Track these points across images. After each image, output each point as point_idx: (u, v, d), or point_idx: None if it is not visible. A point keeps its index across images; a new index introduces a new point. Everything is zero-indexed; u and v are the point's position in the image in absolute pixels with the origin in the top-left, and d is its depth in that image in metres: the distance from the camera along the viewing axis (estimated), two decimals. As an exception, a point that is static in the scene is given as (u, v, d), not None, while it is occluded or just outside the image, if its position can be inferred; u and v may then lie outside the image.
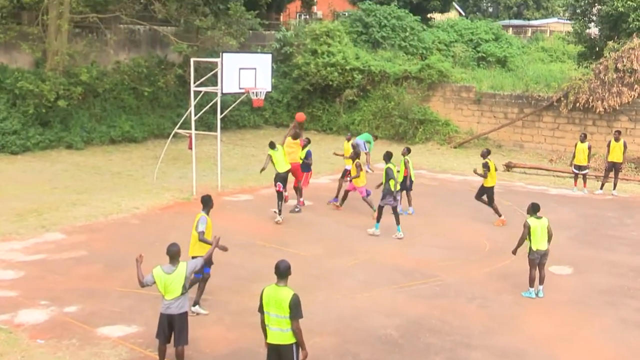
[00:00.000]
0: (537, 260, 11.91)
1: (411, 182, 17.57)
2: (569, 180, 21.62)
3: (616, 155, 20.03)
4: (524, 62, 38.37)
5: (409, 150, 17.51)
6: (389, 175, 15.11)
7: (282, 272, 7.73)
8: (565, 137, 25.98)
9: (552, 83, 27.63)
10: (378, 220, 15.34)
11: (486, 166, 16.40)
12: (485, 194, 16.83)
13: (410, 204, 17.59)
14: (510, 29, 55.16)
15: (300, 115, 19.13)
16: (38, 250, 13.53)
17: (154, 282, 8.56)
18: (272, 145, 16.65)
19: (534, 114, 26.71)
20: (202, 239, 10.44)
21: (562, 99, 25.67)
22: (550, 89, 26.95)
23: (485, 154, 16.80)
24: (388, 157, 15.63)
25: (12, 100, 23.30)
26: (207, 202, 10.97)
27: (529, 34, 57.97)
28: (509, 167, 23.52)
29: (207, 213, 10.84)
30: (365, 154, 22.11)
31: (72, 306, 10.82)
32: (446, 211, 17.91)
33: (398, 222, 15.23)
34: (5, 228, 14.81)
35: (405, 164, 17.24)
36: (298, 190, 17.67)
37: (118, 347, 9.46)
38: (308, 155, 17.93)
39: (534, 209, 11.98)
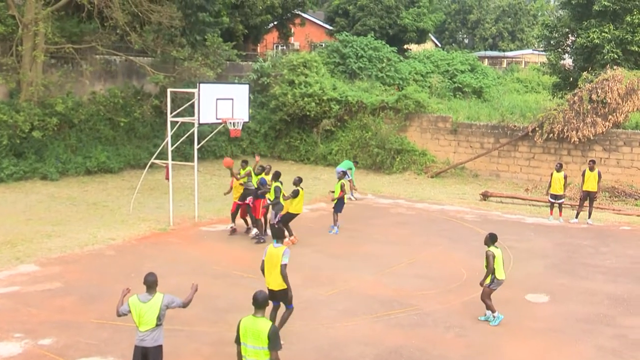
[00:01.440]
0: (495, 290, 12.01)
1: (343, 203, 18.77)
2: (544, 209, 21.83)
3: (591, 185, 20.28)
4: (500, 92, 39.02)
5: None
6: (277, 192, 16.40)
7: (260, 303, 7.67)
8: (541, 166, 26.29)
9: (527, 113, 28.07)
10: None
11: (295, 193, 16.68)
12: (287, 220, 16.77)
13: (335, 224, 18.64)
14: (486, 60, 56.15)
15: (227, 161, 18.05)
16: (12, 282, 13.30)
17: (129, 311, 8.45)
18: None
19: (509, 143, 27.03)
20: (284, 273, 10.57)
21: (537, 129, 26.01)
22: (526, 119, 27.34)
23: (297, 181, 16.94)
24: (276, 176, 16.80)
25: (-15, 131, 23.09)
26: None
27: (505, 64, 59.03)
28: (485, 196, 23.70)
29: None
30: (349, 181, 22.25)
31: (46, 339, 10.64)
32: (424, 240, 17.96)
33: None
34: (-22, 260, 14.58)
35: (342, 186, 18.59)
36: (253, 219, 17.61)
37: (93, 381, 9.30)
38: (262, 182, 17.43)
39: (492, 239, 11.96)
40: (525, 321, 12.16)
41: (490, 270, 11.79)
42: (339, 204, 18.59)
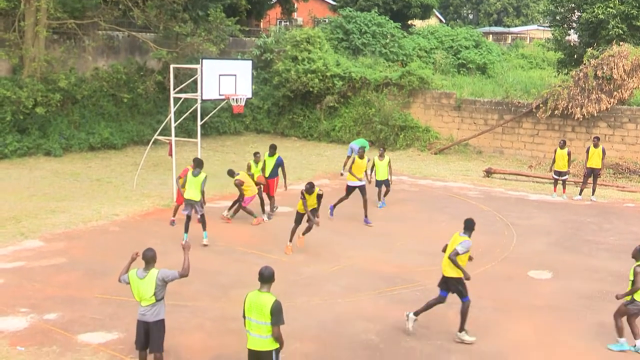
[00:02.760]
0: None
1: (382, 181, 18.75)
2: (548, 186, 21.81)
3: (595, 162, 20.22)
4: (504, 68, 38.77)
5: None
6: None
7: (266, 278, 7.71)
8: (545, 143, 26.22)
9: (531, 90, 27.92)
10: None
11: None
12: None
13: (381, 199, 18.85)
14: (491, 35, 55.75)
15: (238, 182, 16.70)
16: (17, 258, 13.38)
17: (128, 283, 8.57)
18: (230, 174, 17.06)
19: (513, 120, 26.94)
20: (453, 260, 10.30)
21: (541, 105, 25.90)
22: (530, 96, 27.21)
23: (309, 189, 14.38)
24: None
25: (-11, 107, 23.09)
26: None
27: (509, 40, 58.62)
28: (488, 173, 23.67)
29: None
30: (348, 157, 22.33)
31: (51, 313, 10.73)
32: (427, 217, 17.98)
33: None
34: (-17, 235, 14.67)
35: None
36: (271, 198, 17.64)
37: (99, 354, 9.40)
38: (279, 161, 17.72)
39: None
40: (527, 298, 12.20)
41: (636, 289, 9.95)
42: (379, 182, 18.62)
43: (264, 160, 17.59)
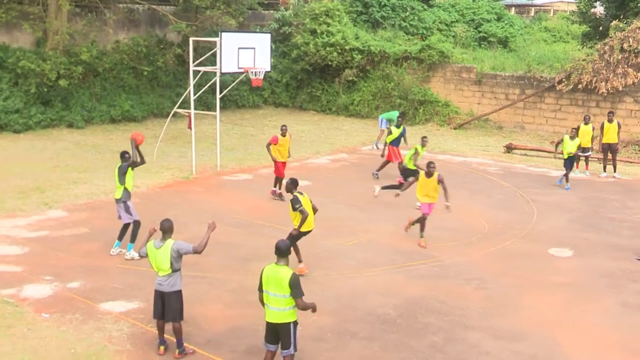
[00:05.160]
0: None
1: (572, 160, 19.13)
2: (569, 162, 21.58)
3: (611, 137, 19.98)
4: (527, 42, 38.22)
5: None
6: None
7: (282, 251, 7.76)
8: (568, 118, 25.93)
9: (555, 64, 27.56)
10: None
11: (296, 202, 11.38)
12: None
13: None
14: (513, 8, 54.80)
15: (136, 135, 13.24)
16: (41, 227, 13.62)
17: (147, 256, 8.71)
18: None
19: (535, 95, 26.65)
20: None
21: (564, 80, 25.57)
22: (553, 70, 26.87)
23: (292, 186, 11.61)
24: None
25: (14, 79, 23.37)
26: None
27: (532, 13, 57.64)
28: (509, 148, 23.49)
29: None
30: (381, 130, 22.87)
31: (74, 282, 10.93)
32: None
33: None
34: (10, 205, 14.94)
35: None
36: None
37: (120, 322, 9.57)
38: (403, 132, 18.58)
39: None
40: (547, 275, 12.15)
41: None
42: (568, 161, 18.69)
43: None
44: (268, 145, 16.45)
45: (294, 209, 11.31)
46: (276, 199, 16.47)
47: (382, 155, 18.61)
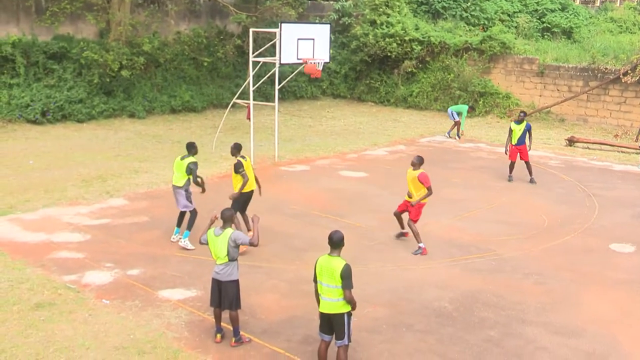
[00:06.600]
0: None
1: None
2: (634, 156, 20.99)
3: None
4: (591, 33, 37.11)
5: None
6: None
7: (335, 242, 7.78)
8: (632, 111, 25.17)
9: (620, 55, 26.74)
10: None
11: (239, 166, 12.09)
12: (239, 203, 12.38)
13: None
14: (578, -2, 53.33)
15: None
16: (103, 215, 13.97)
17: (207, 243, 8.84)
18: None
19: (599, 87, 25.93)
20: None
21: (629, 72, 24.80)
22: (618, 62, 26.08)
23: (236, 150, 12.41)
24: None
25: (78, 69, 23.99)
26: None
27: (598, 3, 55.96)
28: (571, 141, 22.95)
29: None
30: (454, 122, 23.61)
31: (134, 269, 11.18)
32: (504, 185, 17.65)
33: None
34: (73, 193, 15.37)
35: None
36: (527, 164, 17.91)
37: (178, 310, 9.75)
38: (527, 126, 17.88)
39: None
40: (608, 271, 11.85)
41: None
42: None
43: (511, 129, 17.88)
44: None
45: (237, 172, 12.08)
46: None
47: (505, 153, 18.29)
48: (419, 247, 12.39)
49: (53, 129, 22.38)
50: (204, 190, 12.72)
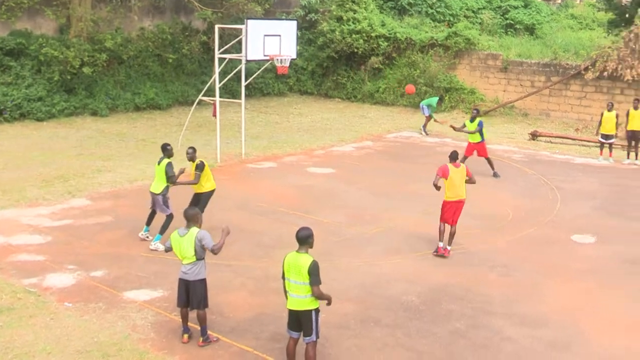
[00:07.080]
0: None
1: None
2: (594, 149, 21.37)
3: (636, 124, 19.77)
4: (553, 29, 37.60)
5: None
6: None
7: (302, 239, 7.77)
8: (592, 106, 25.60)
9: (580, 51, 27.16)
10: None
11: (202, 168, 12.55)
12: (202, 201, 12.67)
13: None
14: (540, -5, 54.03)
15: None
16: (64, 216, 13.71)
17: (171, 249, 8.74)
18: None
19: (561, 82, 26.32)
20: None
21: (590, 67, 25.22)
22: (579, 57, 26.51)
23: (192, 153, 12.74)
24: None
25: (37, 66, 23.42)
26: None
27: (559, 0, 56.78)
28: (534, 135, 23.28)
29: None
30: (426, 117, 23.84)
31: (98, 271, 10.98)
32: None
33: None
34: (33, 193, 15.04)
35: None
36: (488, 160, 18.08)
37: (144, 311, 9.62)
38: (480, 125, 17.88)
39: None
40: (570, 262, 12.06)
41: None
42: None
43: None
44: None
45: (197, 170, 12.40)
46: None
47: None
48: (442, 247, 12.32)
49: (11, 128, 21.85)
50: (174, 183, 12.40)
